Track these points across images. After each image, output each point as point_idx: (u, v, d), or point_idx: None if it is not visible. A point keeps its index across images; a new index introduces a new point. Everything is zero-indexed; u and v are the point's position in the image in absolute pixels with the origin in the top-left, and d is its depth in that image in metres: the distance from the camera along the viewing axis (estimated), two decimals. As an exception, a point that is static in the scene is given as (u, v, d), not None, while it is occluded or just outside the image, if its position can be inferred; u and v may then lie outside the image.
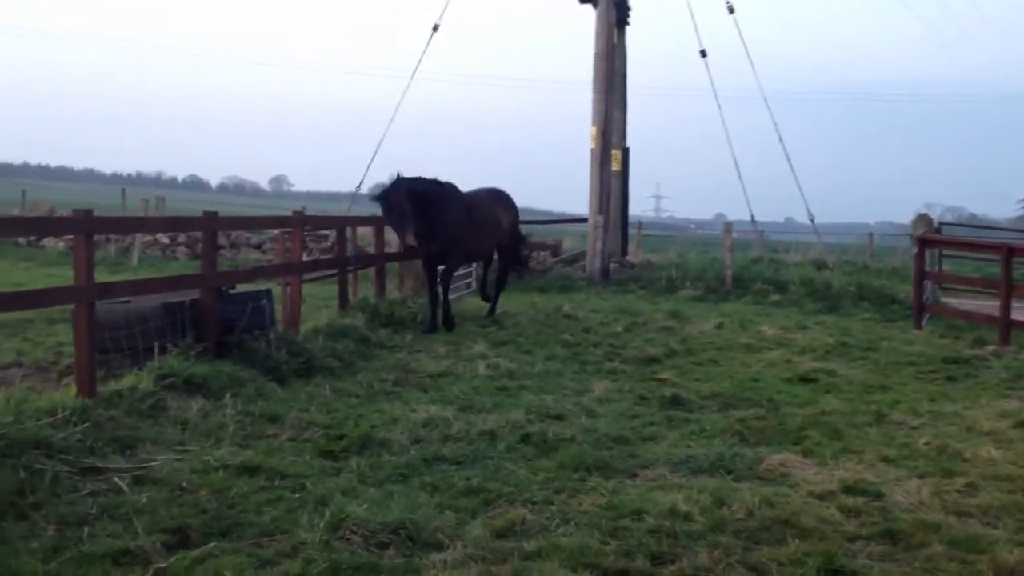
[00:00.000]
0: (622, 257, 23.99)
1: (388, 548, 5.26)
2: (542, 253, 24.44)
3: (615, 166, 23.59)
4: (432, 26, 22.57)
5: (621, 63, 24.20)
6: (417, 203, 13.52)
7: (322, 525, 5.39)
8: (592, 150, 22.84)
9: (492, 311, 15.82)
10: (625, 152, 24.38)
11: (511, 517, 5.75)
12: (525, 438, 7.60)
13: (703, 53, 22.89)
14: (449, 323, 14.18)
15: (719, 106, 22.70)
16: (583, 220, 24.11)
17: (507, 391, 9.65)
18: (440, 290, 14.22)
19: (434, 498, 6.13)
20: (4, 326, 12.23)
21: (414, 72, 22.53)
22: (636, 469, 7.00)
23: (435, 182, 14.32)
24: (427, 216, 13.67)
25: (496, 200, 16.02)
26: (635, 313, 16.66)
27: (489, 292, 16.42)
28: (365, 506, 5.68)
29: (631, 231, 26.31)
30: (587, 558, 5.15)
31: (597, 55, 22.79)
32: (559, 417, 8.44)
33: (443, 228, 14.05)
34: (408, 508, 5.75)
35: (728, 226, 24.31)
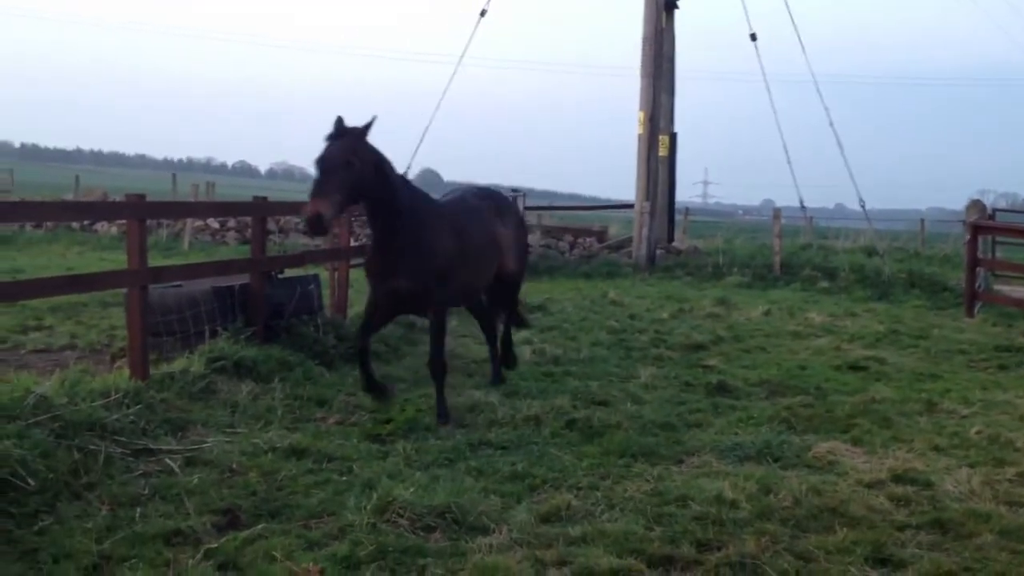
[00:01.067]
0: (669, 243, 23.84)
1: (434, 531, 5.30)
2: (588, 239, 24.37)
3: (662, 151, 23.43)
4: (480, 11, 22.51)
5: (669, 47, 23.99)
6: (370, 190, 7.36)
7: (369, 508, 5.45)
8: (639, 135, 22.71)
9: (496, 376, 9.38)
10: (673, 137, 24.20)
11: (556, 502, 5.77)
12: (570, 424, 7.61)
13: (753, 37, 22.63)
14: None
15: (768, 90, 22.43)
16: (629, 206, 24.02)
17: (552, 377, 9.65)
18: (437, 367, 8.03)
19: (479, 482, 6.16)
20: (59, 309, 12.46)
21: (461, 57, 22.48)
22: (682, 456, 6.98)
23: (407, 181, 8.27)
24: (386, 225, 7.63)
25: (494, 209, 9.10)
26: (681, 300, 16.58)
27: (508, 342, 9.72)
28: (411, 489, 5.71)
29: (678, 217, 26.12)
30: (632, 544, 5.15)
31: (645, 39, 22.63)
32: (604, 403, 8.43)
33: (420, 252, 7.72)
34: (454, 492, 5.78)
35: (777, 212, 24.06)
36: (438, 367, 7.97)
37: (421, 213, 7.84)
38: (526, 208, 22.26)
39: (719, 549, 5.16)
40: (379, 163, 7.45)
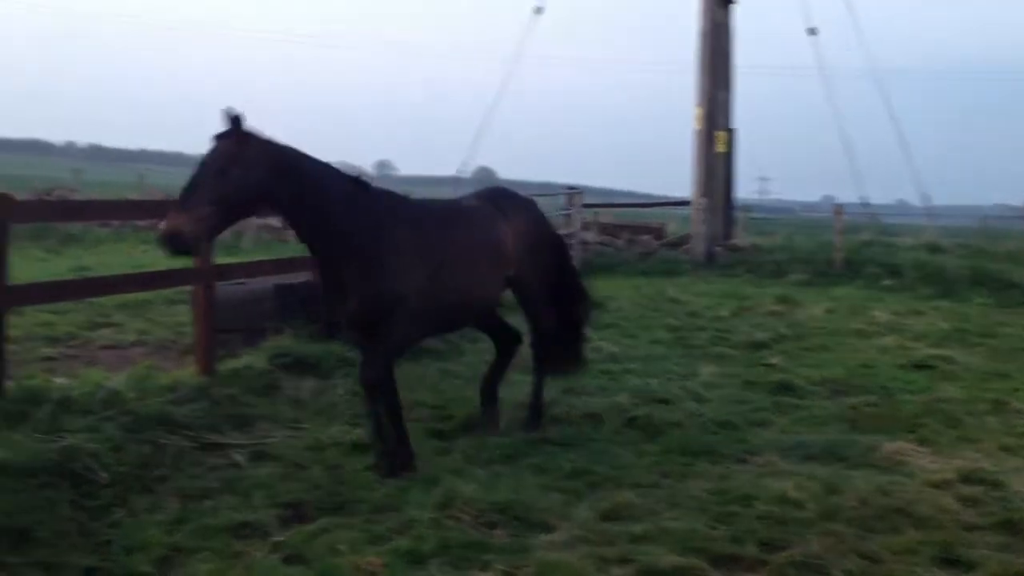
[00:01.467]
0: (727, 240, 23.63)
1: (496, 527, 5.33)
2: (645, 236, 24.25)
3: (720, 147, 23.23)
4: (535, 8, 22.48)
5: (726, 42, 23.78)
6: (269, 201, 5.91)
7: (431, 503, 5.50)
8: (696, 131, 22.55)
9: (533, 421, 7.52)
10: (730, 133, 23.97)
11: (617, 500, 5.76)
12: (630, 421, 7.59)
13: (812, 31, 22.37)
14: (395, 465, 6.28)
15: (828, 85, 22.15)
16: (687, 203, 23.84)
17: (611, 374, 9.62)
18: (377, 403, 6.41)
19: (540, 479, 6.17)
20: (127, 307, 12.71)
21: (517, 55, 22.46)
22: (744, 455, 6.92)
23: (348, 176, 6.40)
24: (317, 235, 6.09)
25: (494, 209, 7.27)
26: (742, 297, 16.43)
27: (494, 389, 7.67)
28: (473, 485, 5.75)
29: (737, 214, 25.86)
30: (696, 543, 5.12)
31: (701, 34, 22.46)
32: (665, 401, 8.39)
33: (367, 264, 6.16)
34: (515, 488, 5.81)
35: (838, 208, 23.73)
36: (392, 404, 6.33)
37: (369, 218, 6.16)
38: (583, 205, 22.19)
39: (784, 549, 5.11)
40: (283, 167, 5.79)
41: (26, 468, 5.37)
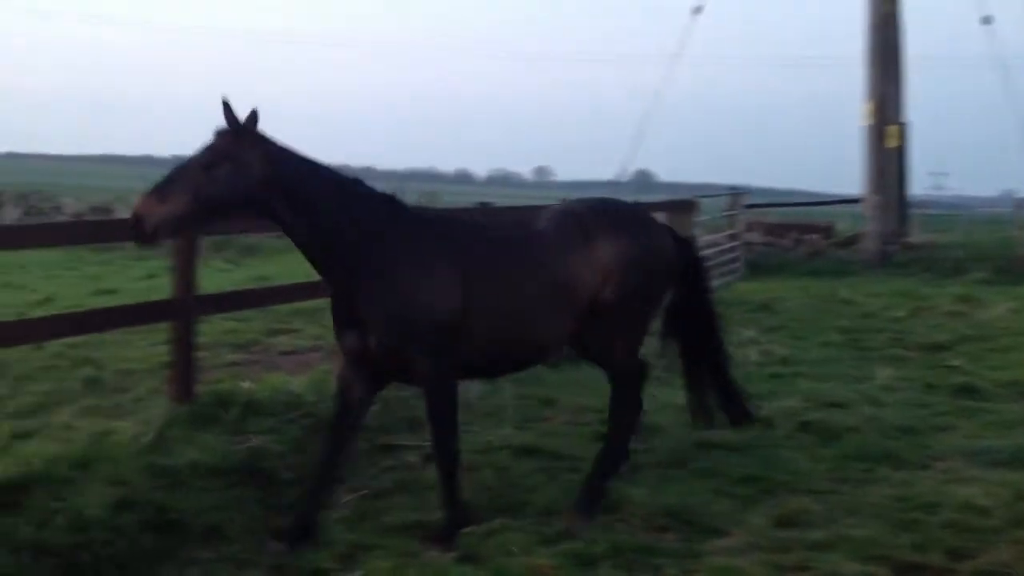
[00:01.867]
0: (902, 238, 22.71)
1: (667, 531, 5.30)
2: (813, 236, 23.58)
3: (892, 143, 22.36)
4: (694, 8, 22.20)
5: (896, 34, 22.88)
6: (256, 207, 5.27)
7: (601, 507, 5.50)
8: (866, 127, 21.80)
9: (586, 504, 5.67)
10: (902, 127, 23.04)
11: (793, 506, 5.63)
12: (804, 426, 7.40)
13: (986, 20, 21.27)
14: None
15: (1005, 75, 21.00)
16: (857, 200, 23.06)
17: (781, 378, 9.39)
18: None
19: (711, 484, 6.10)
20: (302, 313, 13.21)
21: (676, 55, 22.24)
22: (927, 460, 6.64)
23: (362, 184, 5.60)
24: (319, 250, 5.34)
25: (578, 226, 5.74)
26: (918, 297, 15.75)
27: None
28: (642, 489, 5.73)
29: (911, 210, 24.84)
30: (878, 550, 4.96)
31: (870, 27, 21.71)
32: (839, 405, 8.13)
33: (384, 295, 5.27)
34: (685, 493, 5.77)
35: (1021, 202, 22.48)
36: (445, 460, 5.43)
37: (394, 234, 5.34)
38: (747, 206, 21.76)
39: (971, 558, 4.91)
40: (280, 171, 5.18)
41: (217, 468, 5.67)
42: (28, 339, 6.20)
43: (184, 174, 5.07)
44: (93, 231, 5.99)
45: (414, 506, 5.63)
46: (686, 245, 6.32)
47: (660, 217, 17.90)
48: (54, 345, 9.50)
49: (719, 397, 6.37)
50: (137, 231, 4.93)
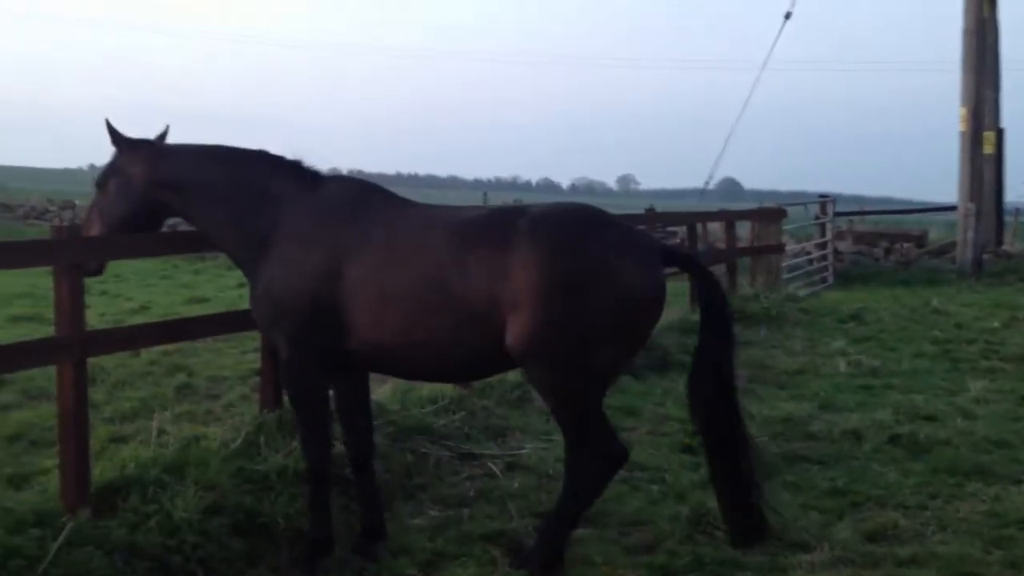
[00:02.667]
0: (997, 247, 22.03)
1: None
2: (905, 244, 23.03)
3: (988, 149, 21.72)
4: (784, 13, 21.89)
5: (993, 38, 22.23)
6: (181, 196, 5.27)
7: (684, 518, 5.46)
8: (961, 133, 21.22)
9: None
10: (999, 133, 22.36)
11: (882, 521, 5.52)
12: (893, 439, 7.23)
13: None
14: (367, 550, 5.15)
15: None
16: (951, 208, 22.45)
17: (871, 389, 9.20)
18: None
19: (797, 497, 6.01)
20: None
21: (765, 62, 21.96)
22: (1021, 475, 6.45)
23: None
24: (237, 237, 5.19)
25: (501, 221, 4.66)
26: (1014, 307, 15.24)
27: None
28: (726, 502, 5.66)
29: (1008, 218, 24.09)
30: (968, 568, 4.85)
31: (966, 31, 21.14)
32: (930, 418, 7.93)
33: (261, 266, 5.02)
34: (771, 507, 5.67)
35: (1125, 209, 21.63)
36: (306, 460, 5.16)
37: (288, 210, 5.00)
38: (837, 214, 21.35)
39: (1071, 579, 4.73)
40: (167, 170, 5.20)
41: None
42: (125, 346, 6.38)
43: (93, 202, 5.40)
44: (188, 241, 6.15)
45: (494, 515, 5.67)
46: (701, 277, 4.98)
47: (746, 226, 17.78)
48: (149, 352, 9.79)
49: (725, 500, 5.04)
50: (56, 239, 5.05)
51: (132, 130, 5.39)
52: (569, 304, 4.39)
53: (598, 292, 4.41)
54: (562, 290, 4.39)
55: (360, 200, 4.99)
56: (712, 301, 4.96)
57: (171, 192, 5.23)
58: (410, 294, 4.62)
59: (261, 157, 5.24)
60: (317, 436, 5.00)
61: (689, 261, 5.16)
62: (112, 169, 5.30)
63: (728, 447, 4.95)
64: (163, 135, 5.41)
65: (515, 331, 4.45)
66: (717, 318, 4.97)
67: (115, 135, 5.32)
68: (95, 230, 5.28)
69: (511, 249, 4.44)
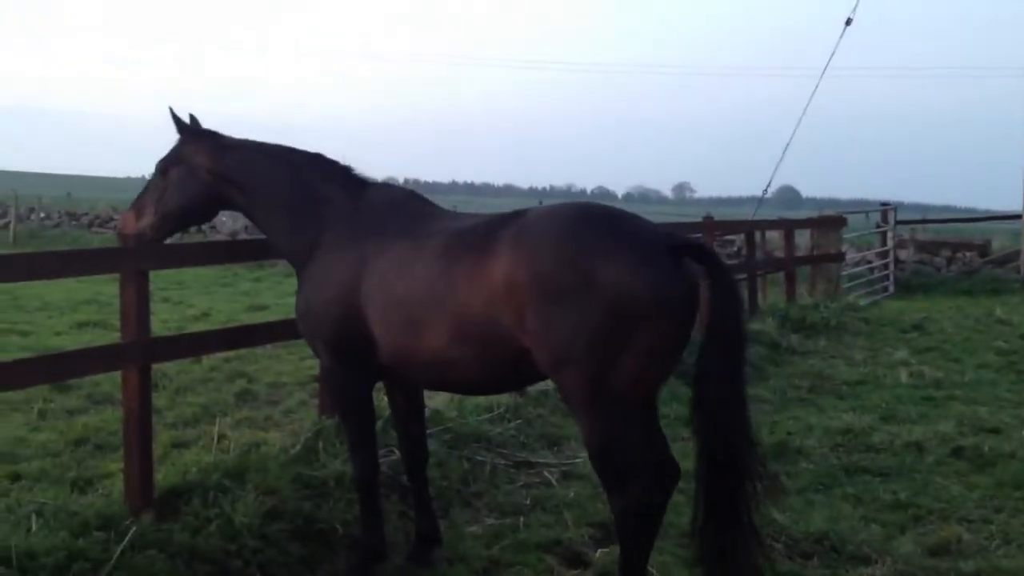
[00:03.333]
0: (1064, 255, 21.54)
1: (811, 558, 5.17)
2: (968, 253, 22.60)
3: (1054, 155, 21.27)
4: (845, 20, 21.61)
5: (1061, 40, 21.77)
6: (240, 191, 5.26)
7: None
8: (1027, 139, 20.82)
9: None
10: (1066, 139, 21.89)
11: (945, 535, 5.42)
12: (957, 452, 7.10)
13: None
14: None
15: None
16: (1015, 216, 21.99)
17: (933, 401, 9.04)
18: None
19: (857, 510, 5.93)
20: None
21: (824, 70, 21.73)
22: (1091, 490, 6.28)
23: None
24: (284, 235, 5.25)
25: (498, 224, 4.42)
26: (1082, 318, 14.89)
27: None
28: (785, 514, 5.60)
29: (1075, 226, 23.54)
30: (1034, 584, 4.72)
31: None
32: (995, 430, 7.77)
33: (304, 273, 5.08)
34: (831, 519, 5.61)
35: None
36: (354, 472, 5.13)
37: (330, 215, 5.01)
38: (898, 222, 21.02)
39: None
40: (227, 165, 5.21)
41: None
42: (188, 353, 6.49)
43: (149, 185, 5.33)
44: (249, 249, 6.25)
45: (550, 523, 5.65)
46: (714, 274, 4.13)
47: (805, 234, 17.53)
48: (210, 358, 9.95)
49: (723, 540, 4.27)
50: (123, 247, 5.21)
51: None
52: (556, 311, 4.00)
53: (584, 294, 3.95)
54: (545, 296, 4.02)
55: (390, 209, 4.91)
56: (724, 308, 4.13)
57: (232, 188, 5.23)
58: (410, 304, 4.49)
59: (315, 161, 5.22)
60: (362, 444, 5.00)
61: (702, 253, 4.19)
62: (175, 157, 5.29)
63: (725, 477, 4.21)
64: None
65: (519, 342, 4.19)
66: (725, 331, 4.15)
67: (179, 123, 5.33)
68: (147, 216, 5.25)
69: (495, 256, 4.21)
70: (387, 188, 5.21)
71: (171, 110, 5.34)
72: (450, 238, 4.47)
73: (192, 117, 5.36)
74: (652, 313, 3.92)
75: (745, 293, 13.91)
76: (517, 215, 4.41)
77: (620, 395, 4.04)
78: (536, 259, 4.06)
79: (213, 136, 5.32)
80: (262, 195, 5.19)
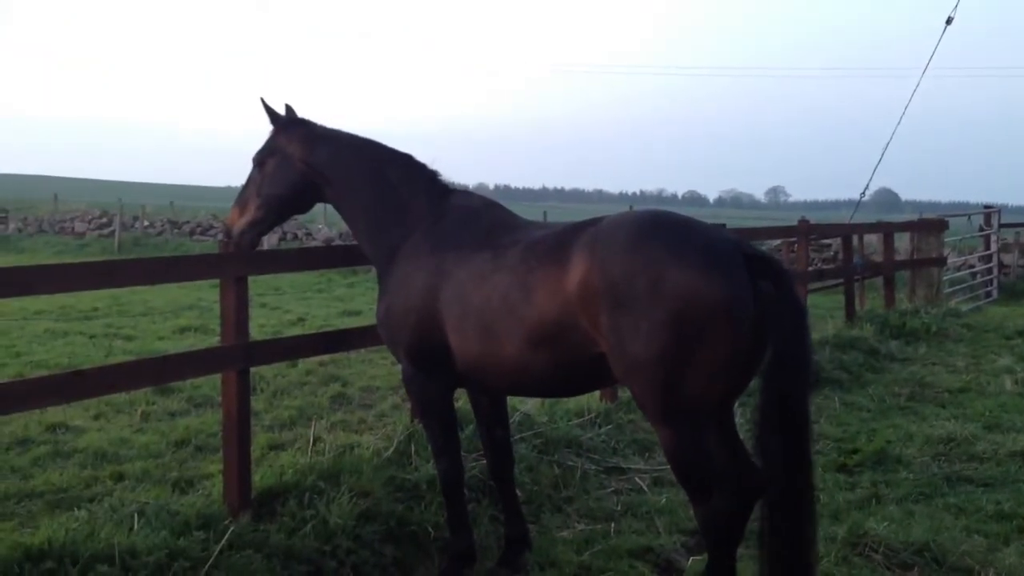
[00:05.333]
0: None
1: (911, 569, 5.05)
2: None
3: None
4: (945, 19, 21.02)
5: None
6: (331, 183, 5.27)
7: (839, 539, 5.29)
8: None
9: None
10: None
11: (1053, 547, 5.22)
12: (1065, 462, 6.84)
13: None
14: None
15: None
16: None
17: (1040, 409, 8.73)
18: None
19: (959, 520, 5.75)
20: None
21: (924, 70, 21.17)
22: None
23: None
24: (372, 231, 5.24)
25: (570, 233, 4.43)
26: None
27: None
28: (884, 524, 5.47)
29: None
30: None
31: None
32: (1105, 440, 7.46)
33: (386, 279, 5.09)
34: (932, 529, 5.45)
35: None
36: (439, 477, 5.14)
37: (413, 219, 5.03)
38: (1001, 225, 20.33)
39: None
40: (322, 155, 5.19)
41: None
42: (286, 356, 6.62)
43: (249, 178, 5.33)
44: (343, 256, 6.35)
45: (641, 530, 5.63)
46: (779, 286, 4.01)
47: (904, 239, 17.06)
48: (306, 363, 10.15)
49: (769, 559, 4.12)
50: (231, 243, 5.25)
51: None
52: (626, 318, 3.97)
53: (653, 302, 3.91)
54: (613, 302, 4.00)
55: (469, 219, 4.89)
56: (787, 333, 3.96)
57: (322, 180, 5.22)
58: (486, 313, 4.48)
59: (402, 163, 5.19)
60: (445, 449, 5.01)
61: (768, 265, 4.06)
62: (269, 148, 5.30)
63: (787, 504, 4.02)
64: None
65: (595, 347, 4.19)
66: (788, 348, 3.96)
67: (272, 113, 5.35)
68: (251, 209, 5.26)
69: (569, 264, 4.21)
70: (468, 196, 5.18)
71: (263, 101, 5.35)
72: (526, 248, 4.48)
73: (288, 107, 5.40)
74: (721, 323, 3.85)
75: (842, 298, 13.65)
76: (591, 223, 4.39)
77: (692, 404, 3.99)
78: (608, 266, 4.05)
79: (305, 125, 5.31)
80: (347, 192, 5.18)
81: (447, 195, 5.08)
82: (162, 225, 34.81)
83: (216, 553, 4.57)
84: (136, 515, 4.87)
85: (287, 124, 5.32)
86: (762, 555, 4.13)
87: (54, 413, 7.98)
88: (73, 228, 35.07)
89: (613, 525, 5.71)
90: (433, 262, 4.77)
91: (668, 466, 6.60)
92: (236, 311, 5.19)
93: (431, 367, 4.83)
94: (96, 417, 8.20)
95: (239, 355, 5.21)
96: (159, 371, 5.17)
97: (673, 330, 3.87)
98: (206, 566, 4.50)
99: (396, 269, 4.93)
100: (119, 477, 6.57)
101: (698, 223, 4.21)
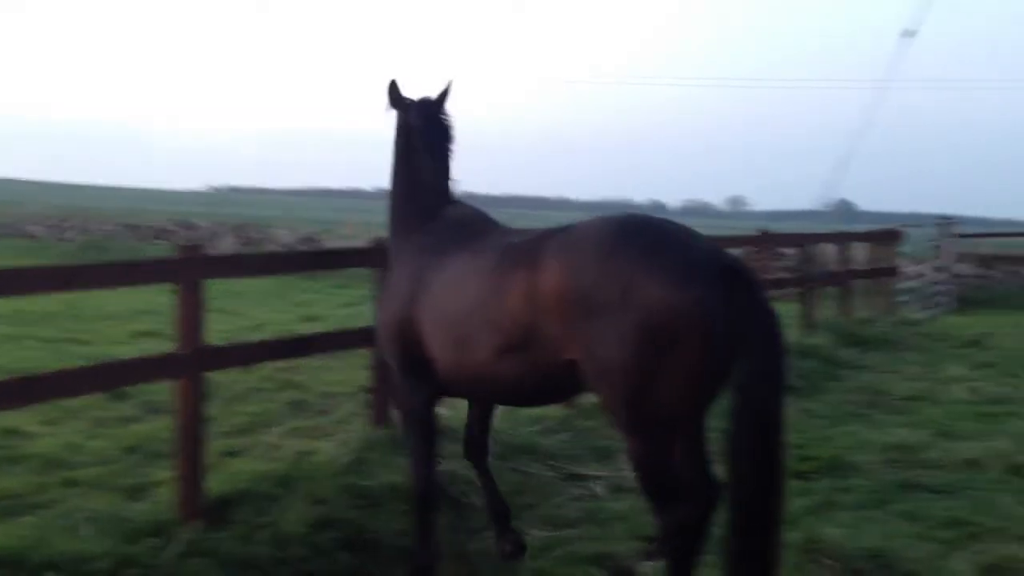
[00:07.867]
0: None
1: (864, 575, 5.07)
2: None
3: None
4: (905, 32, 21.25)
5: None
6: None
7: (793, 546, 5.32)
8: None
9: None
10: None
11: (1002, 554, 5.31)
12: (1015, 470, 6.97)
13: None
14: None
15: None
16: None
17: (992, 417, 8.86)
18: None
19: (912, 527, 5.82)
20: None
21: (887, 81, 21.35)
22: None
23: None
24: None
25: (542, 237, 4.42)
26: None
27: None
28: (838, 530, 5.52)
29: None
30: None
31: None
32: (1057, 448, 7.58)
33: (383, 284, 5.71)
34: (885, 535, 5.53)
35: None
36: (413, 484, 5.09)
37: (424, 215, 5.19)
38: (957, 236, 20.63)
39: None
40: (403, 119, 5.41)
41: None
42: (241, 363, 6.57)
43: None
44: (304, 261, 6.33)
45: (600, 537, 5.62)
46: (754, 294, 3.95)
47: (862, 248, 17.30)
48: (262, 368, 10.04)
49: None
50: (179, 257, 5.31)
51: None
52: (596, 325, 3.91)
53: (623, 309, 3.84)
54: (584, 310, 3.94)
55: (455, 227, 4.97)
56: (761, 334, 3.93)
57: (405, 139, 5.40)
58: (459, 319, 4.50)
59: (424, 170, 5.28)
60: (423, 458, 5.02)
61: (740, 274, 3.97)
62: (398, 130, 5.40)
63: (755, 511, 3.99)
64: (445, 92, 5.36)
65: (566, 354, 4.13)
66: (763, 358, 3.93)
67: (394, 94, 5.35)
68: (399, 185, 5.34)
69: (540, 269, 4.15)
70: (460, 207, 5.21)
71: (392, 83, 5.33)
72: (498, 253, 4.47)
73: (392, 83, 5.35)
74: (693, 333, 3.78)
75: (796, 307, 13.76)
76: (564, 229, 4.36)
77: (661, 413, 3.93)
78: (579, 273, 3.99)
79: (406, 97, 5.38)
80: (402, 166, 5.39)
81: (445, 205, 5.19)
82: (118, 229, 34.34)
83: (167, 560, 4.51)
84: (87, 522, 4.81)
85: (402, 105, 5.38)
86: (726, 561, 4.09)
87: (5, 418, 7.83)
88: (29, 230, 34.55)
89: (571, 532, 5.71)
90: (413, 269, 4.88)
91: (627, 472, 6.72)
92: (191, 317, 5.14)
93: (419, 375, 4.86)
94: (48, 423, 8.06)
95: (192, 361, 5.16)
96: (112, 376, 5.11)
97: (644, 339, 3.80)
98: (157, 574, 4.45)
99: (390, 274, 5.17)
100: (71, 483, 6.46)
101: (675, 229, 4.10)
